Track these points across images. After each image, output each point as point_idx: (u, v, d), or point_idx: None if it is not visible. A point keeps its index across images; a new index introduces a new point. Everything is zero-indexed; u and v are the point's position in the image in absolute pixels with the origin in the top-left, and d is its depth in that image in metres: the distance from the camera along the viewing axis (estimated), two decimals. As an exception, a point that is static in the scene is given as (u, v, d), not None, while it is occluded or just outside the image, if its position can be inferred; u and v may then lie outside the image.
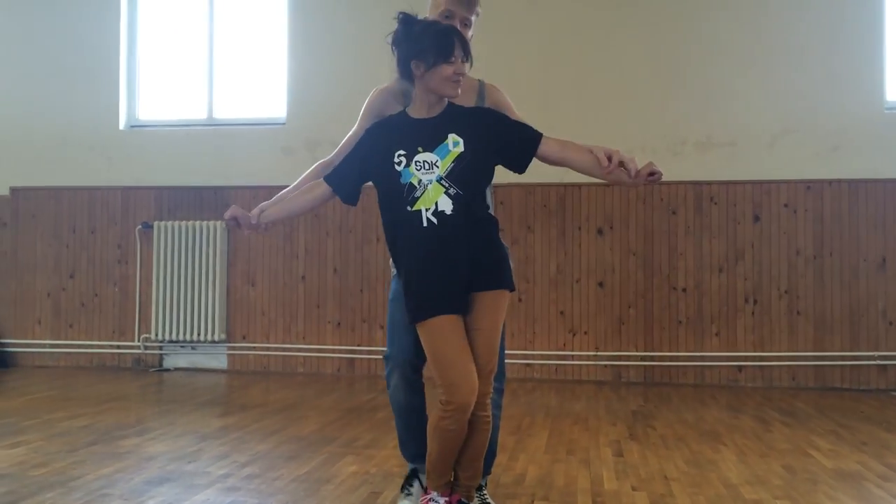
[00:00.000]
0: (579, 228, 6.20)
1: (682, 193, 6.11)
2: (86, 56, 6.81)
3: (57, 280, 6.79)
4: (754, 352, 5.96)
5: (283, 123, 6.62)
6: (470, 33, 2.77)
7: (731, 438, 4.06)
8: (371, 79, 3.08)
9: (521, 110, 6.75)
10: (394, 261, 2.51)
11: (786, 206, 6.03)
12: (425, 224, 2.31)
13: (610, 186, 6.16)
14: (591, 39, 6.24)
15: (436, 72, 2.33)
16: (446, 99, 2.42)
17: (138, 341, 6.64)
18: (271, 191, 7.34)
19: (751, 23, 6.10)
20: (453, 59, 2.34)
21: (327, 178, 2.51)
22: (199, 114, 6.85)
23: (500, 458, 3.58)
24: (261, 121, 6.71)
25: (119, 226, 6.75)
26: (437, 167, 2.32)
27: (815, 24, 6.04)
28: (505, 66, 6.24)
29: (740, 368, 5.97)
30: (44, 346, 6.78)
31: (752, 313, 5.99)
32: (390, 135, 2.41)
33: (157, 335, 6.57)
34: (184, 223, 6.58)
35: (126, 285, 6.71)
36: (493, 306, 2.38)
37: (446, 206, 2.31)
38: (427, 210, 2.31)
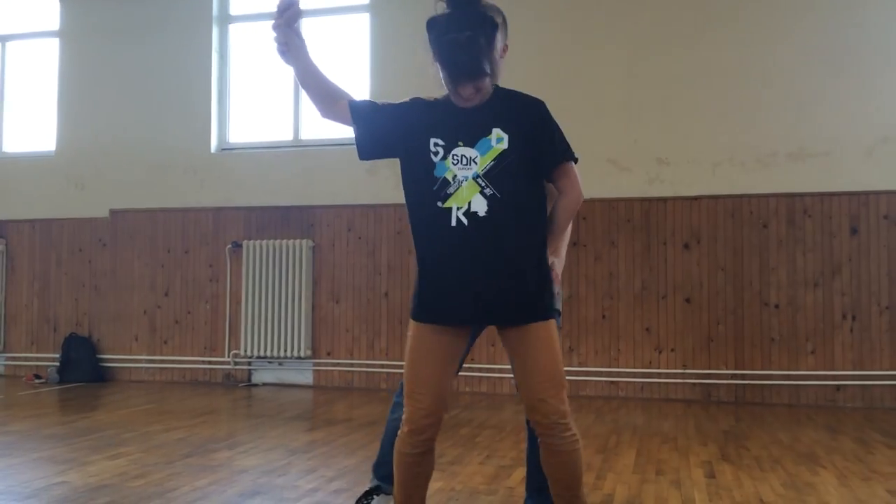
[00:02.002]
0: (664, 243, 6.07)
1: (774, 206, 5.91)
2: (179, 84, 7.11)
3: (153, 298, 7.08)
4: (854, 370, 5.69)
5: (366, 143, 6.73)
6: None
7: (831, 461, 3.88)
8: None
9: (605, 122, 6.67)
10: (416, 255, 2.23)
11: (885, 217, 5.75)
12: (454, 223, 2.08)
13: (697, 199, 6.03)
14: (675, 48, 6.13)
15: None
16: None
17: (228, 357, 6.85)
18: (355, 209, 7.39)
19: (843, 27, 5.88)
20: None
21: (353, 106, 2.20)
22: (286, 135, 7.05)
23: (587, 478, 3.52)
24: (345, 141, 6.84)
25: (210, 245, 6.99)
26: (476, 163, 2.09)
27: (914, 27, 5.79)
28: (589, 78, 6.21)
29: (839, 388, 5.70)
30: (140, 361, 7.06)
31: (851, 330, 5.73)
32: (433, 116, 2.15)
33: (246, 351, 6.75)
34: (271, 242, 6.76)
35: (217, 303, 6.93)
36: (541, 337, 2.11)
37: (480, 206, 2.08)
38: (459, 209, 2.08)
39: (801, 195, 5.88)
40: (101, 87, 7.30)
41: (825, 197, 5.85)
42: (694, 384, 5.94)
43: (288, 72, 7.44)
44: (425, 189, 2.12)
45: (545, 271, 2.17)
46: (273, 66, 7.13)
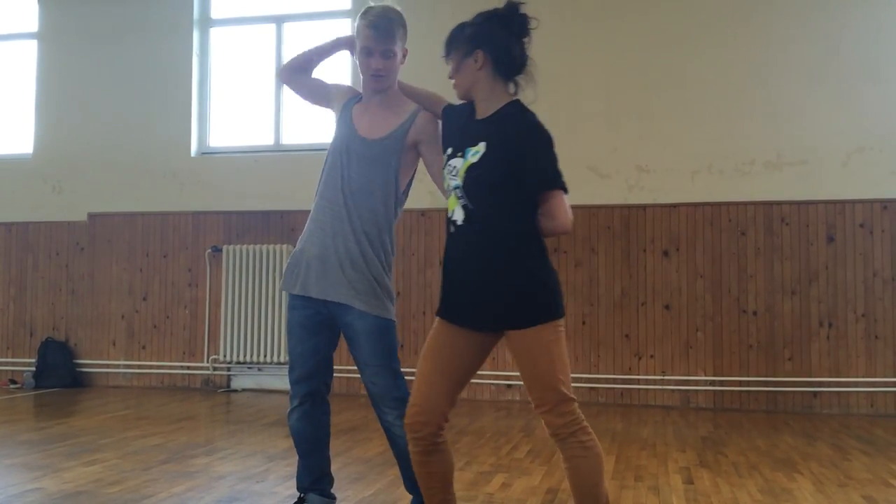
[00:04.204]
0: (644, 250, 6.10)
1: (752, 214, 5.97)
2: (160, 88, 7.06)
3: (131, 303, 7.01)
4: (830, 377, 5.75)
5: (348, 148, 6.72)
6: (397, 62, 2.74)
7: (807, 467, 3.92)
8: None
9: (585, 130, 6.66)
10: None
11: (861, 226, 5.83)
12: (452, 230, 2.22)
13: (676, 207, 6.07)
14: (655, 57, 6.17)
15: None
16: (504, 99, 2.24)
17: (207, 362, 6.79)
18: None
19: (822, 38, 5.95)
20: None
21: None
22: (267, 140, 7.02)
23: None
24: (324, 146, 6.81)
25: (190, 250, 6.94)
26: (457, 175, 2.17)
27: (890, 38, 5.87)
28: (569, 85, 6.23)
29: (815, 394, 5.76)
30: (118, 366, 6.99)
31: (828, 337, 5.79)
32: (451, 125, 2.34)
33: (225, 356, 6.70)
34: (251, 247, 6.72)
35: (196, 308, 6.88)
36: (527, 347, 2.13)
37: (459, 216, 2.17)
38: (450, 216, 2.21)
39: (779, 203, 5.94)
40: (79, 90, 7.22)
41: (802, 205, 5.92)
42: (673, 390, 5.97)
43: (269, 76, 7.27)
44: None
45: (530, 282, 2.13)
46: (255, 70, 7.11)
